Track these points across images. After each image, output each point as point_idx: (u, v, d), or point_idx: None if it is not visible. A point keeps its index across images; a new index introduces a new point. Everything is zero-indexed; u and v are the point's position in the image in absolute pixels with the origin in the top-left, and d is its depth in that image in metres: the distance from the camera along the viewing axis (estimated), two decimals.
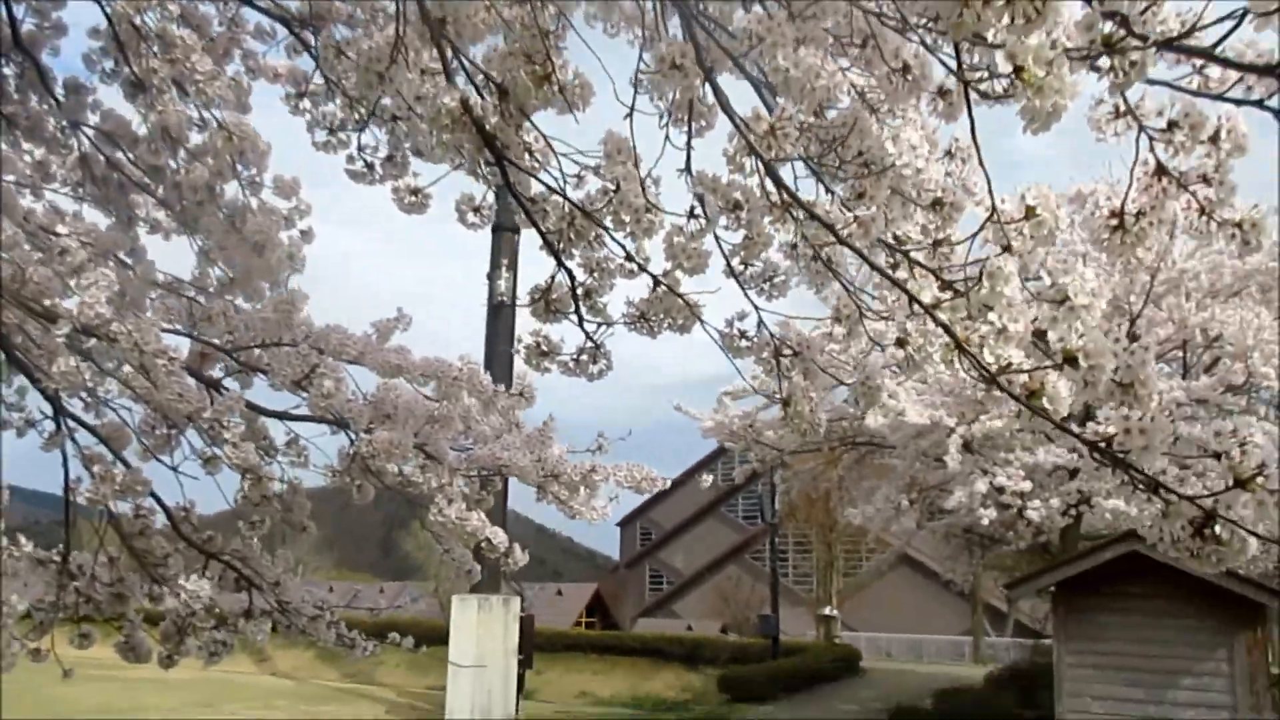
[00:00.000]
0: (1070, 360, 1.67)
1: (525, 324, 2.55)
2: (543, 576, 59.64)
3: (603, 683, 24.83)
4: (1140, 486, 1.59)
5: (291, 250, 4.47)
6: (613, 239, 2.11)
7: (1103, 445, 1.62)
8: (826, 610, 34.76)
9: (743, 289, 2.20)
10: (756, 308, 2.21)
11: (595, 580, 52.33)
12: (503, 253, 19.58)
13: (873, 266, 1.93)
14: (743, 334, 2.25)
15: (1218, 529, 1.48)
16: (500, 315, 19.21)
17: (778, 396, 2.23)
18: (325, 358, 3.65)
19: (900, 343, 1.95)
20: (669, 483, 5.26)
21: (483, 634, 18.66)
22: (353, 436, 4.08)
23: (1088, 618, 12.00)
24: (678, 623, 40.38)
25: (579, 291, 2.24)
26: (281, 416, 4.16)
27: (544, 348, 2.51)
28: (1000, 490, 13.18)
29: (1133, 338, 13.44)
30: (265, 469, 4.03)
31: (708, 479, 17.06)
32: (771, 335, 2.22)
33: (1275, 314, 12.51)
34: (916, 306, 1.84)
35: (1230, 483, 1.46)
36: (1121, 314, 13.15)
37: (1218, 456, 1.47)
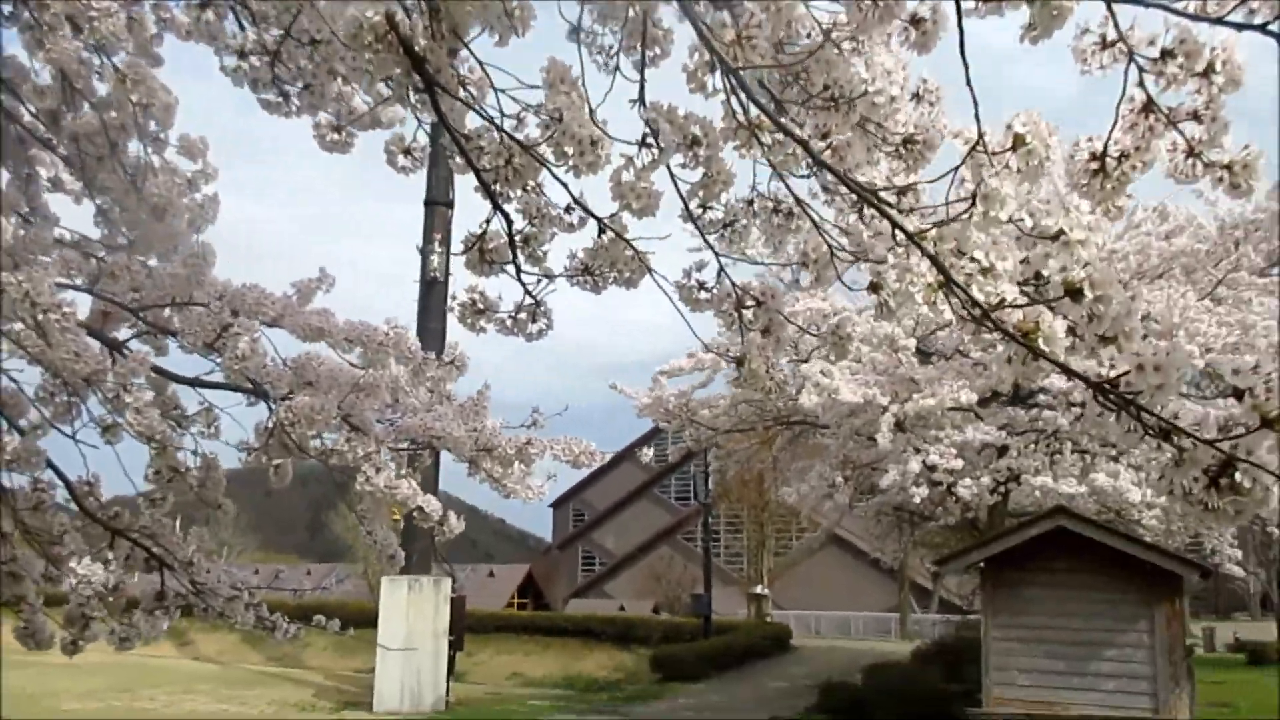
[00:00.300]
0: (1073, 293, 1.53)
1: (462, 282, 2.34)
2: (474, 558, 59.25)
3: (534, 663, 24.69)
4: (1150, 432, 1.46)
5: (196, 215, 4.17)
6: (555, 178, 1.92)
7: (1107, 386, 1.49)
8: (758, 589, 35.07)
9: (701, 234, 2.02)
10: (717, 254, 2.03)
11: (528, 562, 52.17)
12: (435, 227, 19.20)
13: (850, 187, 1.75)
14: (701, 285, 2.07)
15: (1238, 476, 1.36)
16: (433, 291, 18.83)
17: (731, 355, 2.06)
18: (240, 318, 3.39)
19: (874, 287, 1.80)
20: (608, 457, 5.11)
21: (413, 615, 18.37)
22: (271, 406, 3.83)
23: (1015, 592, 12.17)
24: (610, 603, 40.44)
25: (517, 239, 2.04)
26: (193, 383, 3.88)
27: (479, 305, 2.30)
28: (932, 469, 13.30)
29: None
30: (174, 439, 3.76)
31: (648, 452, 17.02)
32: (734, 284, 2.04)
33: (1199, 295, 12.79)
34: (898, 237, 1.67)
35: (1254, 423, 1.34)
36: None
37: (1239, 395, 1.35)
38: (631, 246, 1.99)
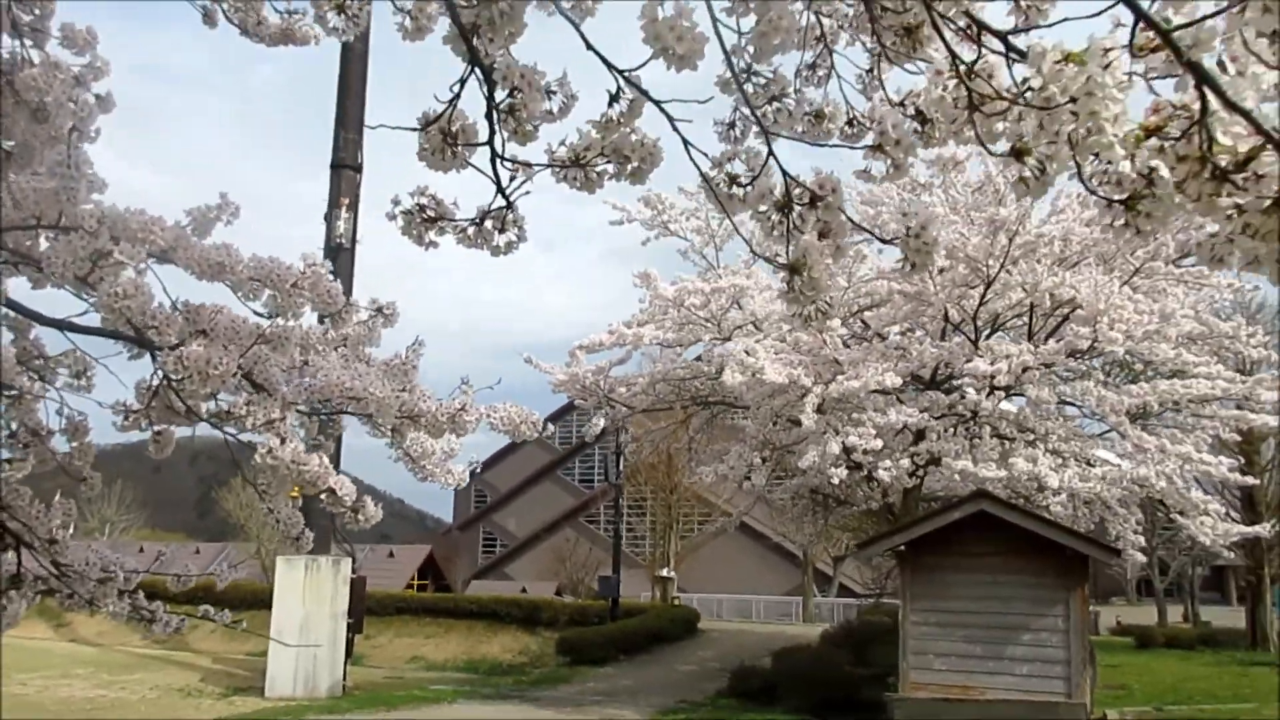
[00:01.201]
0: None
1: (403, 184, 1.81)
2: (372, 538, 57.86)
3: (436, 646, 24.00)
4: None
5: (84, 117, 3.51)
6: (565, 16, 1.41)
7: None
8: (664, 572, 34.94)
9: (750, 106, 1.54)
10: (766, 132, 1.54)
11: (428, 542, 51.24)
12: (342, 192, 18.25)
13: None
14: (734, 178, 1.59)
15: None
16: (339, 258, 17.90)
17: (780, 260, 1.59)
18: (123, 244, 2.78)
19: (1018, 153, 1.35)
20: (550, 427, 4.63)
21: (309, 597, 17.55)
22: (156, 356, 3.22)
23: (934, 577, 12.12)
24: (512, 585, 39.92)
25: (499, 109, 1.53)
26: (62, 326, 3.24)
27: (431, 211, 1.78)
28: (850, 450, 13.14)
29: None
30: (35, 391, 3.13)
31: (566, 434, 16.61)
32: (786, 175, 1.56)
33: (1121, 282, 12.88)
34: (1134, 36, 1.18)
35: None
36: (979, 275, 13.29)
37: None
38: (662, 110, 1.49)
